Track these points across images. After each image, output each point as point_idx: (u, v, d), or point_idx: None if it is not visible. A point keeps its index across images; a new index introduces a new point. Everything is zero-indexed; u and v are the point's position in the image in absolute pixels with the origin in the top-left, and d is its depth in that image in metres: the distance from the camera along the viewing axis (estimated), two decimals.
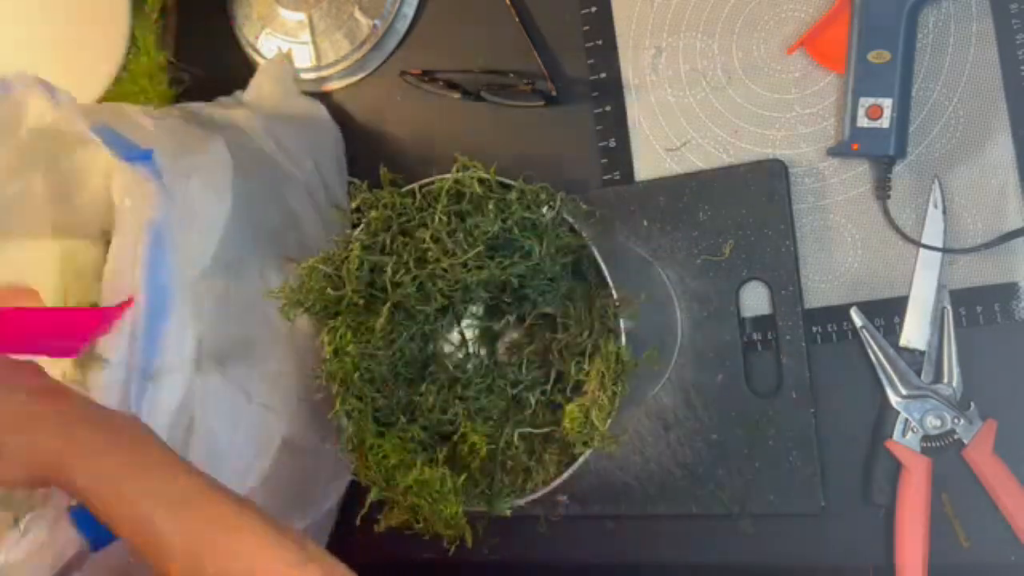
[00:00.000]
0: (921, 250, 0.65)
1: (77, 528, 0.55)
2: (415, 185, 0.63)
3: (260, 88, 0.83)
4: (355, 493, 0.77)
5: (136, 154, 0.63)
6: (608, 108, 0.75)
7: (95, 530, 0.54)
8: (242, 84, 0.86)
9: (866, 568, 0.66)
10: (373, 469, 0.63)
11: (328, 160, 0.82)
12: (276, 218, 0.75)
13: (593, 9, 0.76)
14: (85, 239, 0.74)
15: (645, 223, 0.72)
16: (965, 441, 0.63)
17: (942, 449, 0.64)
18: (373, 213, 0.63)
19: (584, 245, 0.60)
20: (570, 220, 0.61)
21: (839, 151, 0.67)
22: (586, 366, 0.61)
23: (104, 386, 0.60)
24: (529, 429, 0.62)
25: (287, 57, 0.85)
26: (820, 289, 0.68)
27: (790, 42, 0.70)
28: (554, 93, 0.75)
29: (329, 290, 0.63)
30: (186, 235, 0.64)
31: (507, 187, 0.61)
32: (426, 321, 0.64)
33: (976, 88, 0.65)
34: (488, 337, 0.68)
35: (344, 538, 0.78)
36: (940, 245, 0.65)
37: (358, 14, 0.83)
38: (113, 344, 0.60)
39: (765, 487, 0.68)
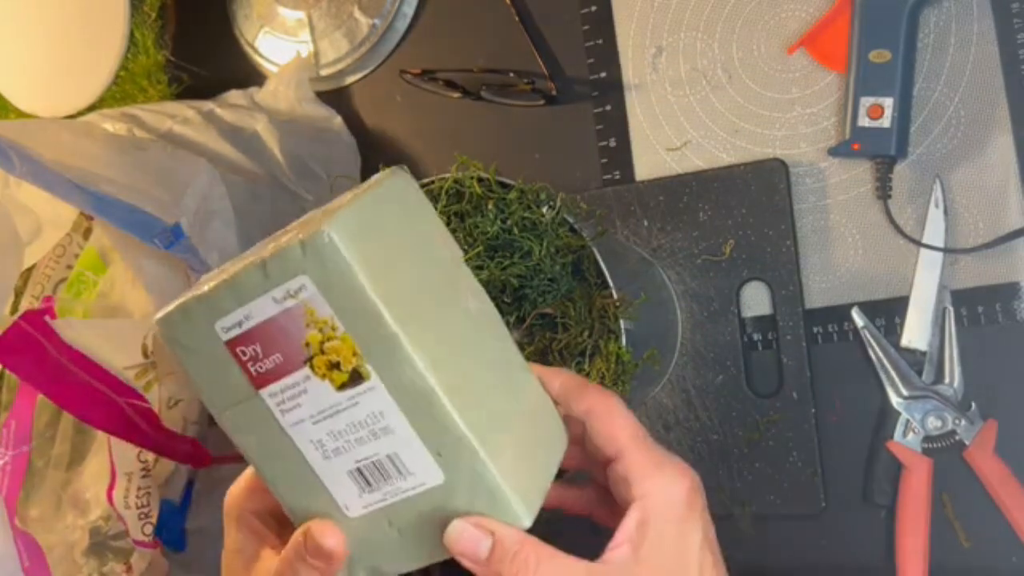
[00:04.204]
0: (922, 250, 0.65)
1: None
2: None
3: (276, 92, 0.82)
4: None
5: (170, 239, 0.56)
6: (608, 108, 0.75)
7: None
8: (241, 84, 0.86)
9: (866, 568, 0.66)
10: None
11: (341, 173, 0.81)
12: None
13: (593, 9, 0.76)
14: None
15: (645, 223, 0.72)
16: (966, 442, 0.63)
17: (943, 450, 0.64)
18: None
19: (584, 245, 0.60)
20: (570, 220, 0.61)
21: (840, 151, 0.67)
22: (586, 366, 0.60)
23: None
24: None
25: (307, 61, 0.84)
26: (821, 289, 0.68)
27: (791, 42, 0.69)
28: (554, 93, 0.75)
29: None
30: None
31: (507, 187, 0.61)
32: None
33: (977, 88, 0.65)
34: None
35: None
36: (941, 245, 0.65)
37: (357, 13, 0.83)
38: None
39: (765, 487, 0.68)
